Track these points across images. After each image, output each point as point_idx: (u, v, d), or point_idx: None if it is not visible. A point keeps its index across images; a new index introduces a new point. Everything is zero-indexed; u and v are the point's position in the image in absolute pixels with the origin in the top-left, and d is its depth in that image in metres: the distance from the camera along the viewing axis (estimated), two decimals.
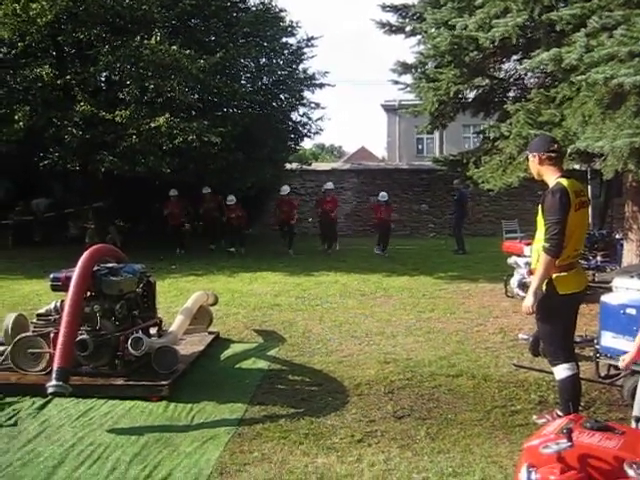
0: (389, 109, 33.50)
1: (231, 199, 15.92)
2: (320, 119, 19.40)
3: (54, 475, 3.99)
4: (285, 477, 3.94)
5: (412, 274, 12.52)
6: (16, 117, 13.24)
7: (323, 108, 19.31)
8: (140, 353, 5.59)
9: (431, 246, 18.05)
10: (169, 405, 5.22)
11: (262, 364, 6.48)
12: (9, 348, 5.73)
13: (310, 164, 22.39)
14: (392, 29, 10.69)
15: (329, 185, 17.10)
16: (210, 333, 7.36)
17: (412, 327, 8.02)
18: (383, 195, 16.38)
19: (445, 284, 11.34)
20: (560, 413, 4.42)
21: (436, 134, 29.74)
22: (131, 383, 5.44)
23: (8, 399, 5.28)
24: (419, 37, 10.17)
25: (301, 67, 18.41)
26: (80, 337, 5.39)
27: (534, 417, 4.77)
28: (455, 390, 5.56)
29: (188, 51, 13.69)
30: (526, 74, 10.30)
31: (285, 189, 16.58)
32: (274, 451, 4.31)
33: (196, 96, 15.55)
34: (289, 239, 16.18)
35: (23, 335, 5.77)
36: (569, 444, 2.55)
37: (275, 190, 18.95)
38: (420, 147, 34.23)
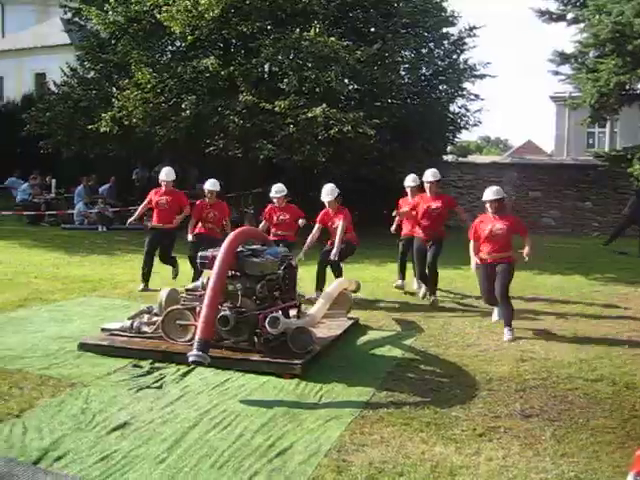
0: (558, 101, 32.00)
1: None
2: (479, 111, 18.89)
3: (188, 435, 4.33)
4: (400, 461, 4.00)
5: (565, 273, 11.98)
6: (183, 105, 14.16)
7: (482, 100, 18.74)
8: (277, 332, 5.85)
9: (591, 245, 17.12)
10: (300, 383, 5.43)
11: (396, 352, 6.55)
12: (161, 319, 6.21)
13: (466, 156, 21.95)
14: (552, 17, 10.23)
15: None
16: (350, 319, 7.52)
17: (556, 327, 7.73)
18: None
19: (600, 285, 10.77)
20: None
21: (608, 127, 28.05)
22: (267, 360, 5.72)
23: (157, 364, 5.76)
24: (580, 25, 9.65)
25: (462, 58, 18.09)
26: (222, 313, 5.74)
27: None
28: (592, 395, 5.33)
29: (346, 42, 13.93)
30: None
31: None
32: (394, 436, 4.38)
33: (353, 87, 15.78)
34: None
35: (173, 307, 6.24)
36: None
37: None
38: (591, 141, 32.40)
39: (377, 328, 7.53)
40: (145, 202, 9.74)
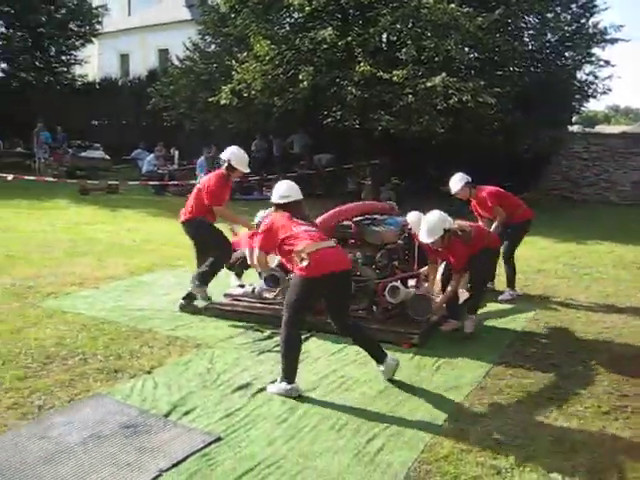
0: None
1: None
2: (609, 78, 17.86)
3: (307, 398, 4.47)
4: (519, 434, 3.94)
5: None
6: (301, 77, 14.29)
7: (613, 66, 17.64)
8: (396, 301, 5.86)
9: None
10: (418, 352, 5.44)
11: (516, 325, 6.42)
12: (282, 287, 6.34)
13: (593, 127, 20.92)
14: None
15: None
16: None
17: None
18: None
19: None
20: None
21: None
22: (385, 328, 5.74)
23: (277, 330, 5.89)
24: None
25: (591, 21, 17.09)
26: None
27: None
28: None
29: (467, 9, 13.52)
30: None
31: None
32: (513, 409, 4.32)
33: (474, 55, 15.35)
34: None
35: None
36: None
37: (556, 154, 18.07)
38: None
39: (496, 300, 7.38)
40: None
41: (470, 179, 7.46)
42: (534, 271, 9.10)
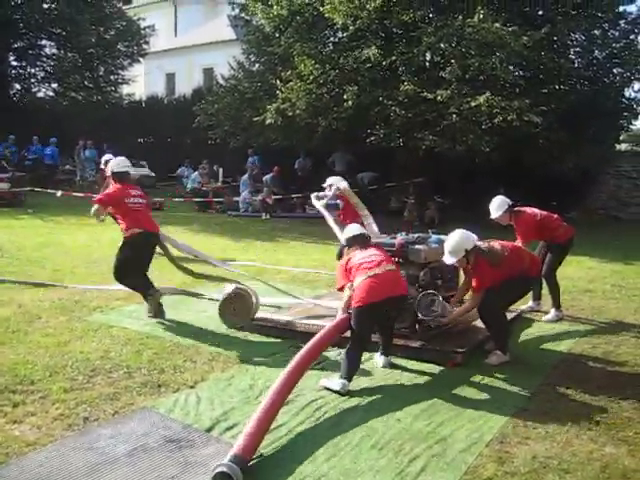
0: None
1: None
2: None
3: (349, 416, 4.45)
4: (566, 458, 3.85)
5: None
6: (345, 96, 14.37)
7: None
8: (433, 314, 5.78)
9: None
10: (461, 371, 5.37)
11: (562, 347, 6.29)
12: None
13: None
14: None
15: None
16: (511, 311, 7.30)
17: None
18: None
19: None
20: None
21: None
22: (428, 347, 5.69)
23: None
24: None
25: None
26: None
27: None
28: None
29: (511, 27, 13.45)
30: None
31: None
32: (559, 431, 4.22)
33: (519, 73, 15.24)
34: None
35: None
36: None
37: (604, 173, 17.76)
38: None
39: (541, 321, 7.25)
40: None
41: (510, 203, 7.22)
42: (581, 291, 8.93)
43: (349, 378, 4.88)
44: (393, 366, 5.47)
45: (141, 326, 6.47)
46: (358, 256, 5.24)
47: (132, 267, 6.76)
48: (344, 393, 4.78)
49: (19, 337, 6.00)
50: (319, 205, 9.00)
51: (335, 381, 4.88)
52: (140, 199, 6.91)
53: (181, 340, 6.05)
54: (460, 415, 4.48)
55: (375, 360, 5.50)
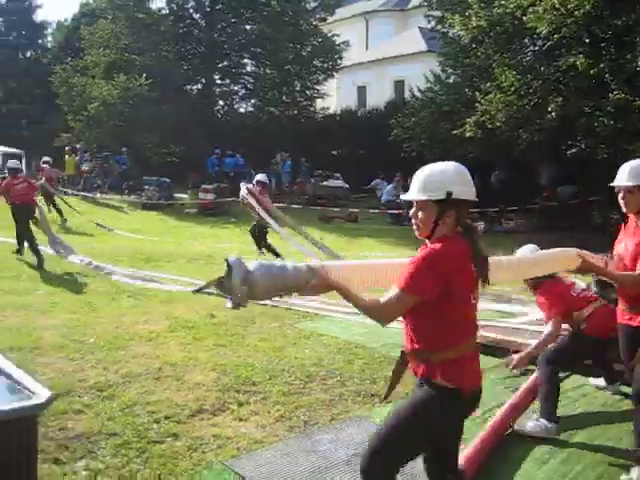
0: None
1: None
2: None
3: (566, 440, 4.29)
4: None
5: None
6: (549, 108, 13.83)
7: None
8: None
9: None
10: None
11: None
12: None
13: None
14: None
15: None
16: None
17: None
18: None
19: None
20: None
21: None
22: None
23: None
24: None
25: None
26: None
27: None
28: None
29: None
30: None
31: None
32: None
33: None
34: None
35: None
36: None
37: None
38: None
39: None
40: None
41: None
42: None
43: (551, 416, 4.37)
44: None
45: (350, 336, 6.66)
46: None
47: None
48: (555, 436, 4.34)
49: (238, 340, 6.45)
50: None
51: (537, 423, 4.37)
52: None
53: (390, 352, 6.11)
54: None
55: None
